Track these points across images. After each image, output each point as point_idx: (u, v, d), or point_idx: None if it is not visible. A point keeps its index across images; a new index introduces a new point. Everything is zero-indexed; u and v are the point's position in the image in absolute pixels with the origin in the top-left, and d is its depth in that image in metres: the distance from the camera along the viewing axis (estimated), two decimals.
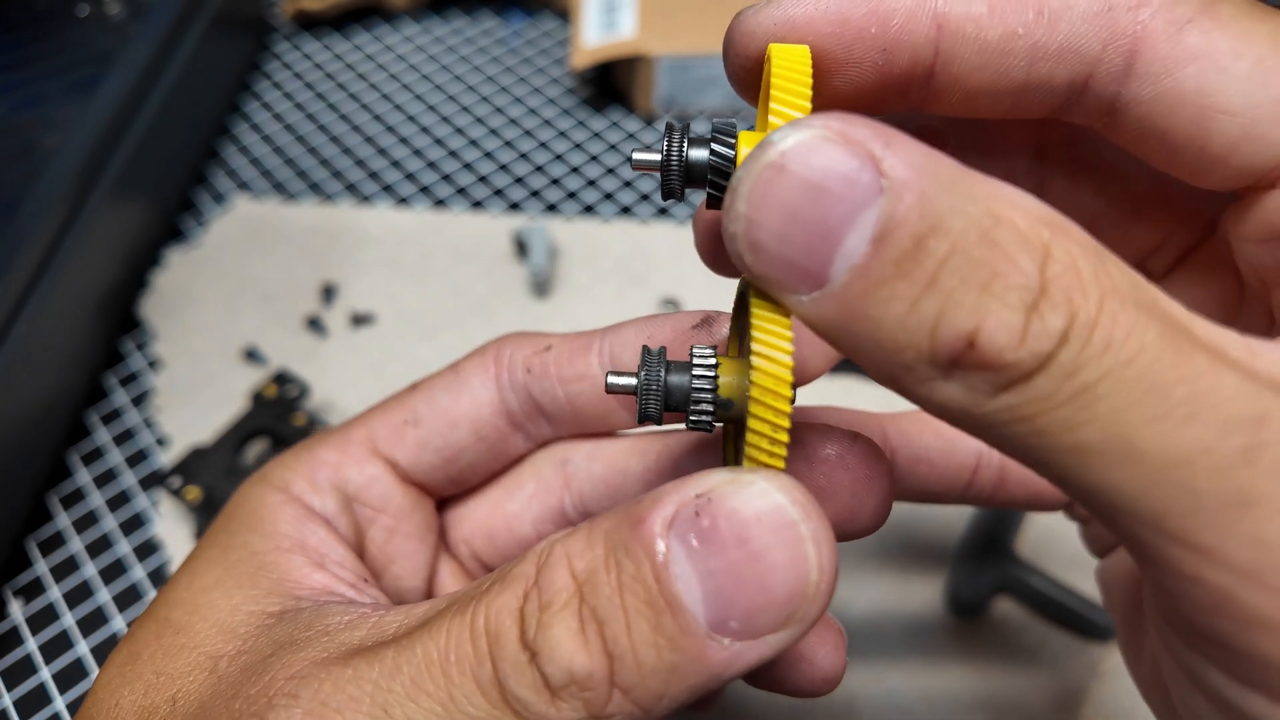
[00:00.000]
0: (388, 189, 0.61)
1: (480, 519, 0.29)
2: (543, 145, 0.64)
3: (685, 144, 0.20)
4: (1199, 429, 0.14)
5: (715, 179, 0.20)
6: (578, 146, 0.64)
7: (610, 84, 0.67)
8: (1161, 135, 0.20)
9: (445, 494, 0.29)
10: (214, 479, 0.45)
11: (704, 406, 0.19)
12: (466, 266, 0.56)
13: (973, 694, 0.40)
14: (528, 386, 0.27)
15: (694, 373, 0.20)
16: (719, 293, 0.55)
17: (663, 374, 0.20)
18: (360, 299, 0.55)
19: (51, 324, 0.47)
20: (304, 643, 0.20)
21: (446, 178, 0.62)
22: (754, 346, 0.17)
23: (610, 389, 0.21)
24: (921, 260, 0.15)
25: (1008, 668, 0.41)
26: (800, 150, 0.15)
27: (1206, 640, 0.15)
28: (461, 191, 0.61)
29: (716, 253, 0.24)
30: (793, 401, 0.17)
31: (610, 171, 0.62)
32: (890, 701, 0.40)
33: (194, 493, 0.45)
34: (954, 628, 0.42)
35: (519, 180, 0.62)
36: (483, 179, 0.62)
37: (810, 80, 0.18)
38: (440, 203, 0.61)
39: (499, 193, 0.61)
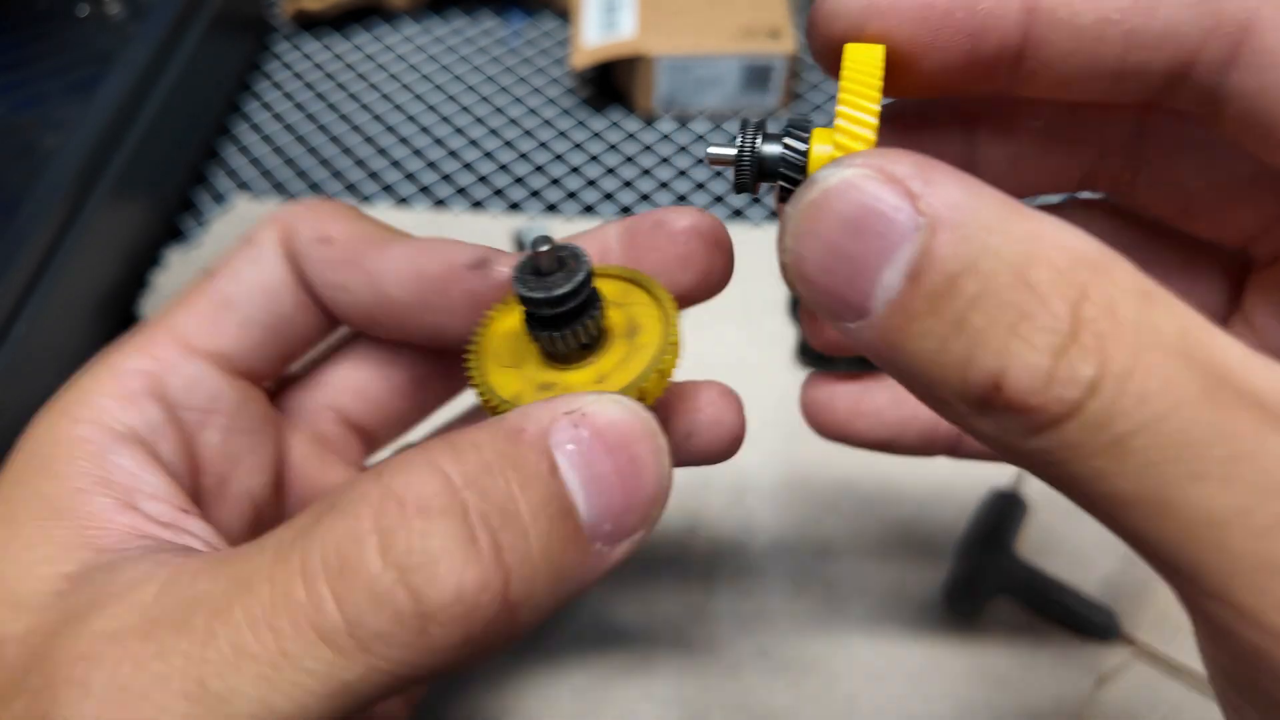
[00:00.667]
0: (388, 189, 0.61)
1: (341, 377, 0.28)
2: (543, 145, 0.64)
3: (760, 139, 0.20)
4: (1237, 492, 0.14)
5: (787, 173, 0.20)
6: (578, 146, 0.64)
7: (610, 84, 0.67)
8: (1268, 128, 0.19)
9: (277, 375, 0.27)
10: None
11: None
12: None
13: (973, 694, 0.40)
14: (308, 274, 0.26)
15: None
16: (720, 293, 0.55)
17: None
18: None
19: (51, 324, 0.47)
20: (98, 611, 0.17)
21: (446, 178, 0.62)
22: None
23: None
24: (953, 299, 0.15)
25: (1008, 668, 0.41)
26: (841, 188, 0.16)
27: (1246, 688, 0.15)
28: (461, 191, 0.61)
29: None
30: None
31: (610, 171, 0.62)
32: (890, 701, 0.40)
33: None
34: (954, 628, 0.42)
35: (519, 180, 0.62)
36: (483, 179, 0.62)
37: (878, 93, 0.19)
38: (440, 203, 0.61)
39: (499, 193, 0.61)
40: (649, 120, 0.66)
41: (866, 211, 0.16)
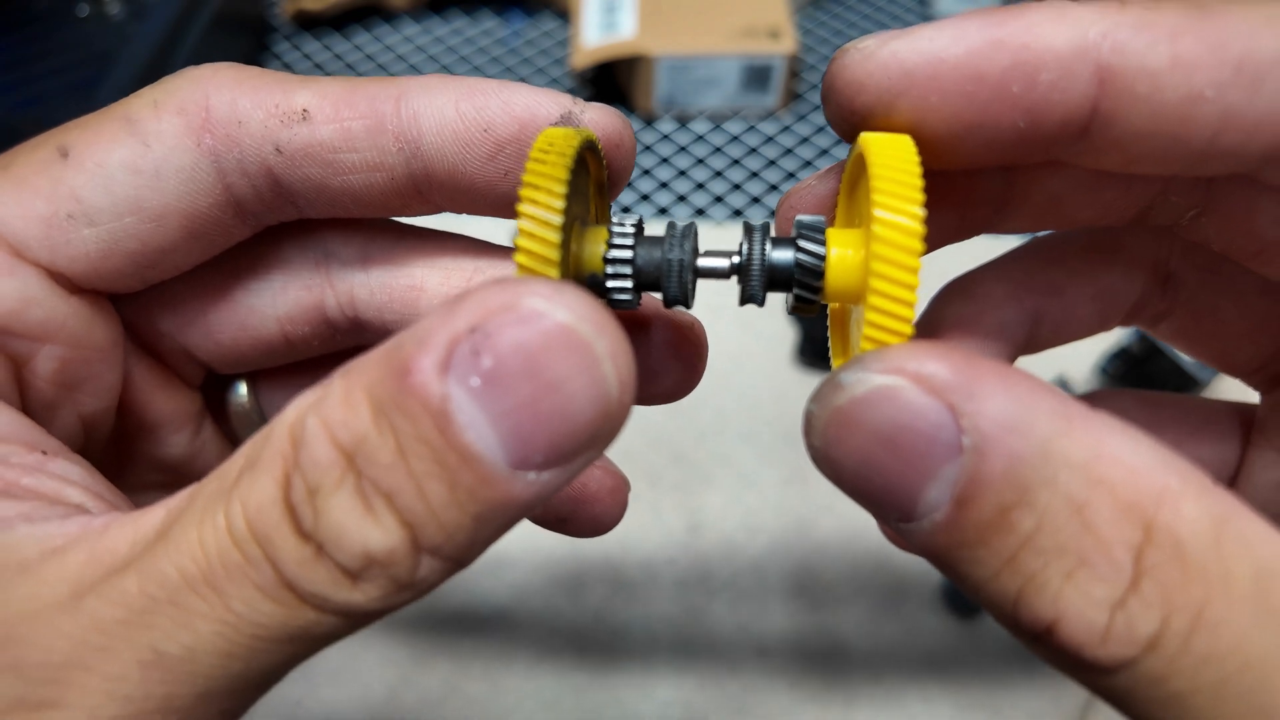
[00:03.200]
0: None
1: (197, 311, 0.23)
2: None
3: (767, 245, 0.18)
4: None
5: (804, 280, 0.18)
6: None
7: (610, 84, 0.67)
8: None
9: (128, 291, 0.21)
10: None
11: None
12: None
13: (972, 694, 0.40)
14: (272, 169, 0.20)
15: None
16: (719, 292, 0.55)
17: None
18: None
19: None
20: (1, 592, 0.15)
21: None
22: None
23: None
24: (1004, 533, 0.14)
25: (1008, 668, 0.41)
26: (874, 399, 0.14)
27: None
28: None
29: None
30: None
31: None
32: (890, 701, 0.40)
33: None
34: (954, 628, 0.42)
35: None
36: None
37: (919, 252, 0.15)
38: None
39: None
40: (649, 120, 0.66)
41: (904, 428, 0.14)
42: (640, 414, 0.49)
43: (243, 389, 0.26)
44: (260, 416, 0.26)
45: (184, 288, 0.23)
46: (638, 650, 0.42)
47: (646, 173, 0.63)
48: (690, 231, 0.18)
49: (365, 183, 0.20)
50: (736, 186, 0.62)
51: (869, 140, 0.17)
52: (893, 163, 0.16)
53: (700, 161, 0.64)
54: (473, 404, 0.14)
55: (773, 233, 0.19)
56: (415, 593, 0.15)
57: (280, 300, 0.23)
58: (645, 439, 0.48)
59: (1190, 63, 0.16)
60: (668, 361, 0.23)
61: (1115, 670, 0.13)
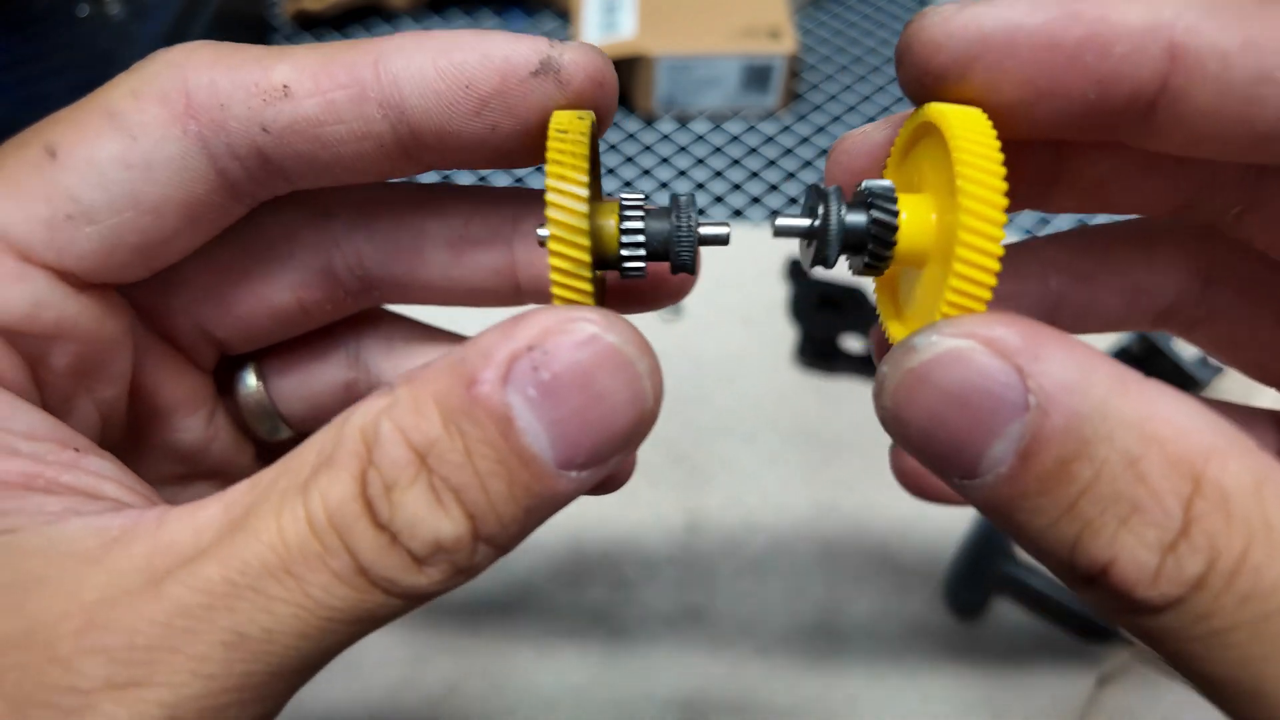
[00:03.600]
0: None
1: (213, 287, 0.23)
2: None
3: (842, 209, 0.19)
4: None
5: (876, 247, 0.18)
6: None
7: None
8: None
9: (135, 280, 0.21)
10: None
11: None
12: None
13: (973, 694, 0.40)
14: (261, 149, 0.20)
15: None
16: (720, 294, 0.55)
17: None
18: None
19: None
20: (53, 582, 0.16)
21: (446, 176, 0.62)
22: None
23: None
24: (1065, 484, 0.15)
25: (1008, 668, 0.41)
26: (946, 360, 0.15)
27: None
28: None
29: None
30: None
31: (610, 171, 0.62)
32: (890, 701, 0.40)
33: None
34: (954, 628, 0.42)
35: (519, 180, 0.62)
36: (482, 178, 0.62)
37: (1001, 237, 0.16)
38: None
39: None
40: (649, 120, 0.66)
41: (974, 388, 0.15)
42: None
43: (251, 377, 0.26)
44: (270, 403, 0.26)
45: (197, 268, 0.23)
46: (637, 650, 0.42)
47: (646, 173, 0.63)
48: (692, 202, 0.20)
49: (354, 152, 0.20)
50: (736, 186, 0.62)
51: (945, 111, 0.17)
52: (973, 134, 0.17)
53: (700, 161, 0.64)
54: (530, 412, 0.16)
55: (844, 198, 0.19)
56: (467, 576, 0.17)
57: (290, 267, 0.23)
58: (645, 439, 0.48)
59: (1261, 45, 0.16)
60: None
61: (1162, 609, 0.14)
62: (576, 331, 0.16)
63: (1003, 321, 0.15)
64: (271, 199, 0.22)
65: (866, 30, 0.74)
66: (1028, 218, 0.60)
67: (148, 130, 0.19)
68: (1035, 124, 0.18)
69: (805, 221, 0.19)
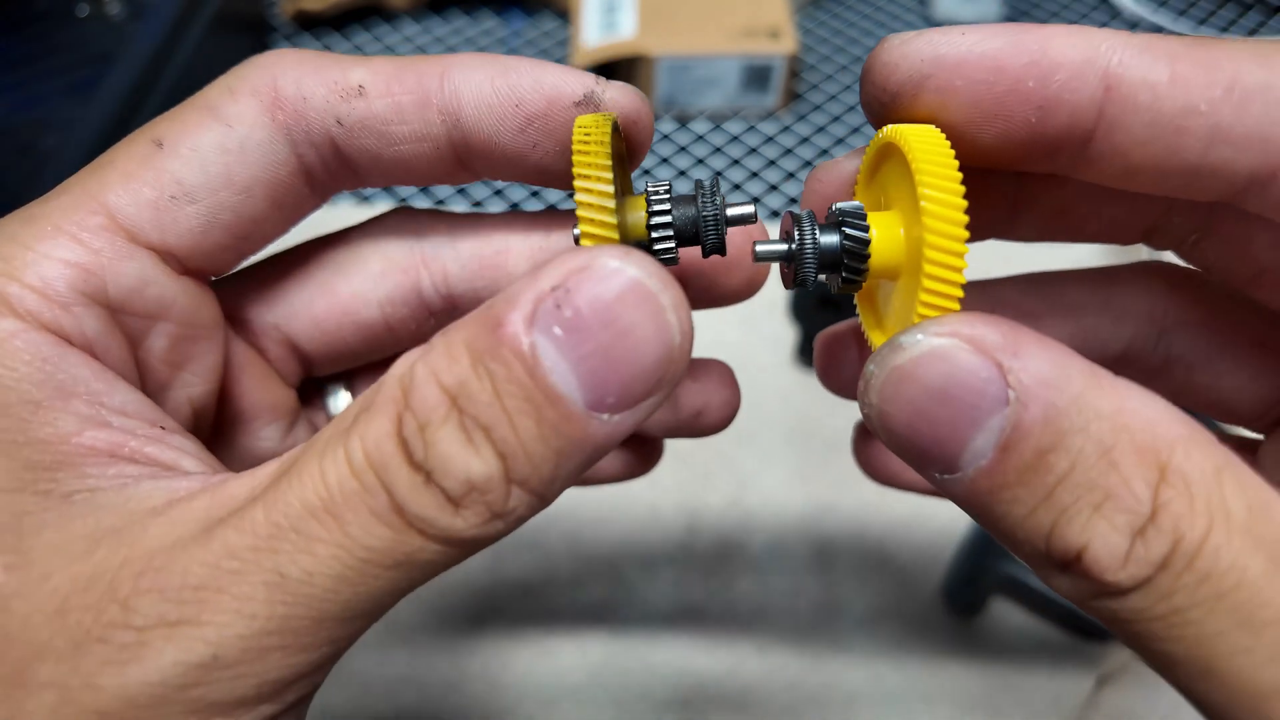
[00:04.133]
0: (388, 188, 0.61)
1: (303, 302, 0.25)
2: None
3: (816, 231, 0.20)
4: None
5: (851, 265, 0.20)
6: None
7: None
8: None
9: (224, 272, 0.24)
10: None
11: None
12: None
13: (973, 694, 0.40)
14: (335, 140, 0.22)
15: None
16: None
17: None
18: None
19: None
20: (124, 531, 0.17)
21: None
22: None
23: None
24: (1042, 473, 0.16)
25: (1008, 668, 0.41)
26: (930, 358, 0.16)
27: None
28: (462, 191, 0.61)
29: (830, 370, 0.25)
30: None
31: None
32: (889, 701, 0.40)
33: None
34: (954, 628, 0.42)
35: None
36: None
37: (965, 237, 0.17)
38: (440, 202, 0.61)
39: (499, 193, 0.61)
40: None
41: (956, 383, 0.16)
42: None
43: (343, 393, 0.28)
44: None
45: (290, 279, 0.25)
46: (637, 650, 0.42)
47: (646, 173, 0.63)
48: (717, 186, 0.21)
49: (414, 152, 0.22)
50: (736, 186, 0.62)
51: (902, 130, 0.19)
52: (929, 148, 0.18)
53: (700, 161, 0.64)
54: (555, 350, 0.16)
55: (818, 220, 0.20)
56: (505, 524, 0.17)
57: (380, 285, 0.25)
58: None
59: (1187, 80, 0.18)
60: (714, 395, 0.26)
61: (1130, 591, 0.15)
62: (598, 268, 0.17)
63: (984, 321, 0.16)
64: (372, 223, 0.25)
65: (866, 30, 0.74)
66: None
67: (242, 119, 0.21)
68: (983, 148, 0.19)
69: (783, 246, 0.20)
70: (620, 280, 0.17)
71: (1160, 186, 0.19)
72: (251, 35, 0.69)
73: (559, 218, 0.26)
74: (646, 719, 0.40)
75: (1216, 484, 0.15)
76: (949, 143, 0.18)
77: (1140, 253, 0.50)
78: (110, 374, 0.20)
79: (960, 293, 0.18)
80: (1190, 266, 0.25)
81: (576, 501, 0.46)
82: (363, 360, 0.27)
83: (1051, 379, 0.16)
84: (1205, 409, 0.25)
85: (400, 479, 0.16)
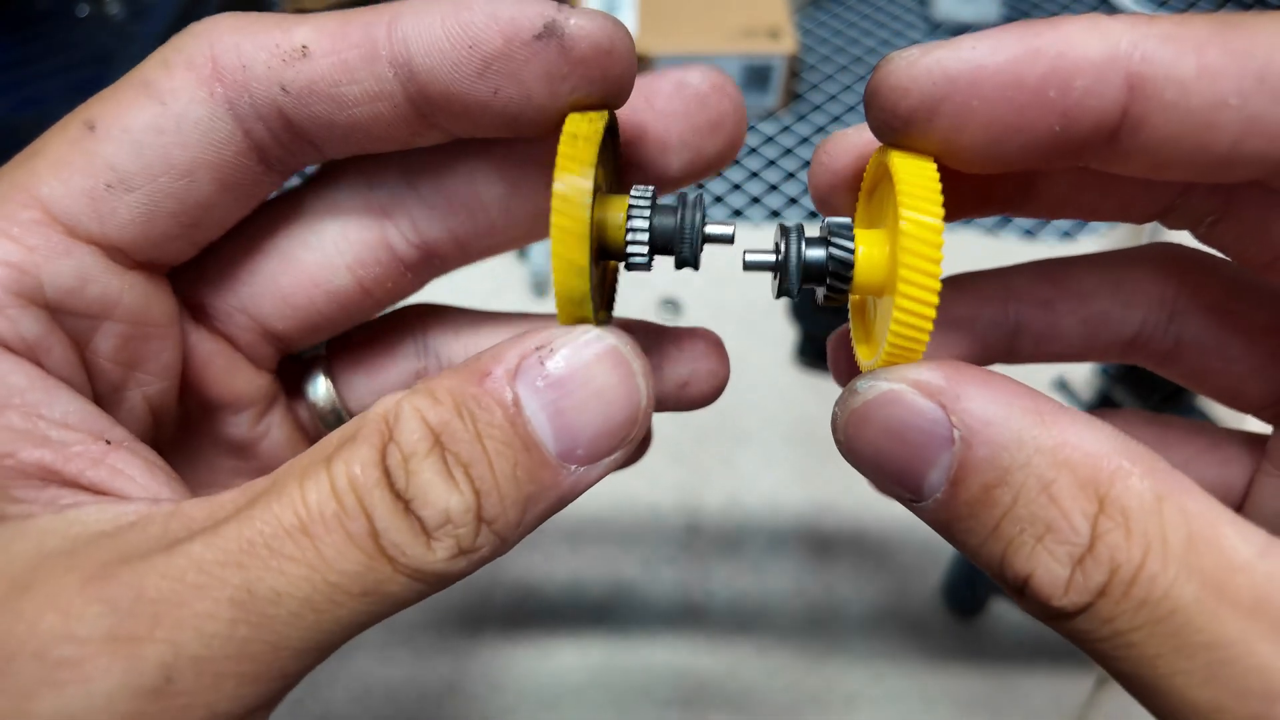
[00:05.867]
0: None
1: (265, 280, 0.23)
2: None
3: (802, 244, 0.20)
4: (1217, 690, 0.15)
5: (835, 280, 0.20)
6: None
7: None
8: None
9: (178, 262, 0.22)
10: None
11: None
12: (468, 266, 0.56)
13: (972, 694, 0.40)
14: (283, 110, 0.20)
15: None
16: (720, 293, 0.55)
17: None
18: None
19: None
20: (72, 552, 0.16)
21: None
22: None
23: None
24: (989, 506, 0.17)
25: (1007, 668, 0.41)
26: (880, 403, 0.18)
27: None
28: None
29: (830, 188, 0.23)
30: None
31: None
32: (889, 701, 0.40)
33: None
34: (953, 628, 0.42)
35: None
36: None
37: (936, 289, 0.18)
38: None
39: None
40: None
41: (906, 425, 0.18)
42: None
43: (321, 379, 0.27)
44: (341, 405, 0.27)
45: (245, 255, 0.23)
46: (637, 650, 0.42)
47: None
48: (699, 202, 0.21)
49: (371, 114, 0.20)
50: (736, 186, 0.62)
51: (897, 163, 0.19)
52: (916, 177, 0.18)
53: None
54: (536, 402, 0.18)
55: (807, 234, 0.21)
56: (468, 562, 0.18)
57: (344, 247, 0.23)
58: (637, 440, 0.48)
59: (1216, 71, 0.16)
60: (700, 363, 0.26)
61: (1074, 615, 0.16)
62: (581, 334, 0.19)
63: (929, 366, 0.18)
64: (317, 178, 0.23)
65: (866, 30, 0.74)
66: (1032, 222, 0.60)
67: (177, 95, 0.19)
68: (1005, 159, 0.19)
69: (770, 256, 0.21)
70: (599, 346, 0.19)
71: (1188, 175, 0.18)
72: None
73: (521, 145, 0.23)
74: (646, 719, 0.40)
75: (1155, 513, 0.16)
76: (937, 173, 0.18)
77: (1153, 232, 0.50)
78: (51, 381, 0.19)
79: (923, 347, 0.18)
80: (1202, 249, 0.24)
81: (576, 501, 0.46)
82: (343, 328, 0.25)
83: (993, 418, 0.17)
84: (1216, 395, 0.25)
85: (381, 505, 0.17)
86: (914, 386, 0.18)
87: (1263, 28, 0.17)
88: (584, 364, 0.18)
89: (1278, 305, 0.23)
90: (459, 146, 0.23)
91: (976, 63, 0.17)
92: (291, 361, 0.27)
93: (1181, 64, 0.17)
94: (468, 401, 0.17)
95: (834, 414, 0.19)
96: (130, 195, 0.19)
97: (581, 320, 0.19)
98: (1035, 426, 0.17)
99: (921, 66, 0.18)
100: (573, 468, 0.18)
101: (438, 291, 0.27)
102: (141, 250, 0.20)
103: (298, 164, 0.22)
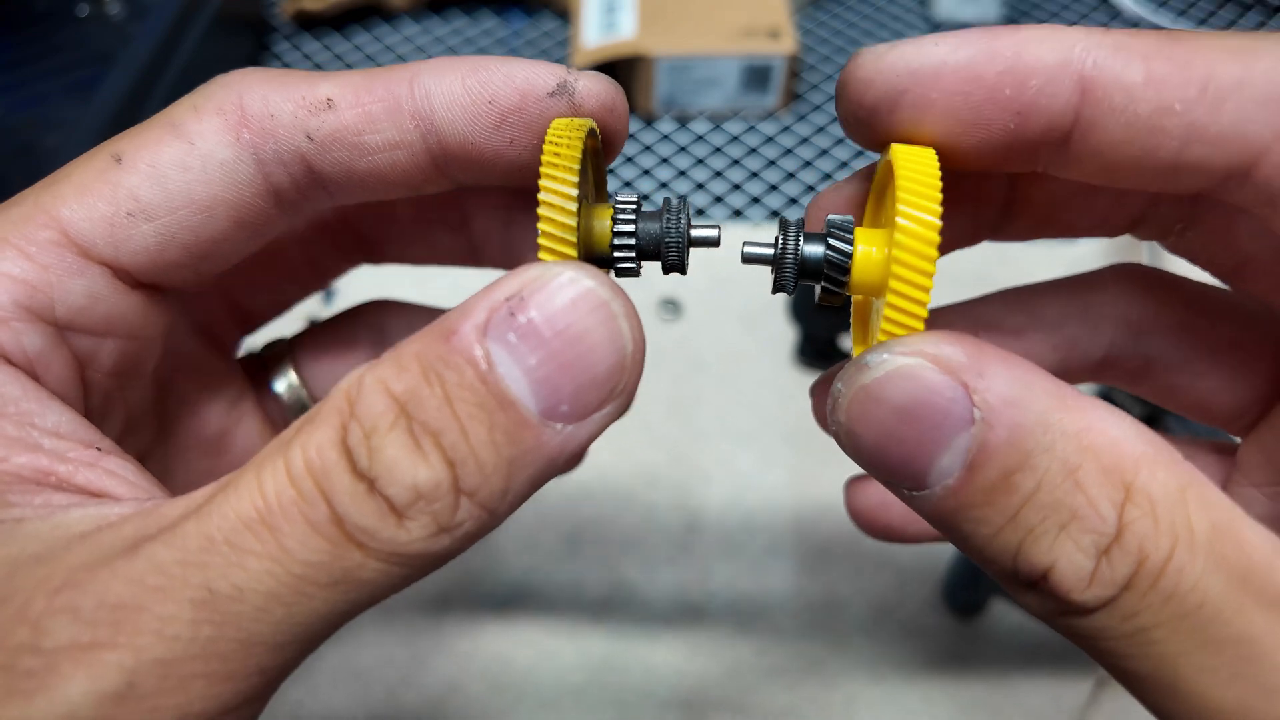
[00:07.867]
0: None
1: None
2: None
3: (801, 240, 0.20)
4: (1243, 688, 0.15)
5: (832, 274, 0.20)
6: None
7: None
8: None
9: (179, 290, 0.22)
10: None
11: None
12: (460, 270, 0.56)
13: (972, 694, 0.40)
14: (305, 157, 0.21)
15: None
16: (720, 293, 0.55)
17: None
18: (360, 298, 0.55)
19: None
20: (46, 557, 0.16)
21: None
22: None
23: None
24: (1008, 493, 0.16)
25: (1007, 668, 0.41)
26: (895, 377, 0.16)
27: None
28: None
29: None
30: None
31: (610, 171, 0.62)
32: (889, 702, 0.40)
33: None
34: (953, 628, 0.42)
35: None
36: None
37: (934, 258, 0.17)
38: None
39: None
40: (649, 120, 0.66)
41: (922, 403, 0.16)
42: (639, 415, 0.49)
43: (290, 372, 0.28)
44: (309, 397, 0.28)
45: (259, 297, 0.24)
46: (636, 650, 0.42)
47: (646, 173, 0.63)
48: (684, 205, 0.21)
49: (389, 161, 0.22)
50: (736, 186, 0.62)
51: (898, 150, 0.19)
52: (916, 171, 0.18)
53: (700, 162, 0.64)
54: (509, 357, 0.16)
55: (805, 229, 0.20)
56: (452, 539, 0.16)
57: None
58: (645, 439, 0.48)
59: (1161, 80, 0.17)
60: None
61: (1095, 610, 0.15)
62: (552, 279, 0.17)
63: (949, 340, 0.17)
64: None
65: (866, 30, 0.74)
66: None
67: (204, 137, 0.20)
68: (964, 154, 0.19)
69: (768, 250, 0.20)
70: (574, 289, 0.17)
71: (1139, 182, 0.19)
72: (251, 35, 0.69)
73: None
74: (646, 719, 0.40)
75: (1181, 503, 0.15)
76: (938, 167, 0.18)
77: (1138, 248, 0.50)
78: (44, 393, 0.19)
79: (924, 312, 0.18)
80: (1163, 269, 0.25)
81: (577, 501, 0.46)
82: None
83: (1017, 398, 0.16)
84: (1185, 411, 0.26)
85: (340, 487, 0.16)
86: (933, 361, 0.16)
87: (1209, 41, 0.18)
88: (559, 311, 0.16)
89: (1239, 320, 0.24)
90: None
91: (938, 59, 0.19)
92: (257, 358, 0.28)
93: (1129, 72, 0.18)
94: (435, 364, 0.16)
95: (834, 392, 0.18)
96: (149, 225, 0.20)
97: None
98: (1059, 410, 0.16)
99: (887, 61, 0.19)
100: (559, 426, 0.17)
101: (427, 294, 0.28)
102: (148, 275, 0.21)
103: (310, 207, 0.23)
